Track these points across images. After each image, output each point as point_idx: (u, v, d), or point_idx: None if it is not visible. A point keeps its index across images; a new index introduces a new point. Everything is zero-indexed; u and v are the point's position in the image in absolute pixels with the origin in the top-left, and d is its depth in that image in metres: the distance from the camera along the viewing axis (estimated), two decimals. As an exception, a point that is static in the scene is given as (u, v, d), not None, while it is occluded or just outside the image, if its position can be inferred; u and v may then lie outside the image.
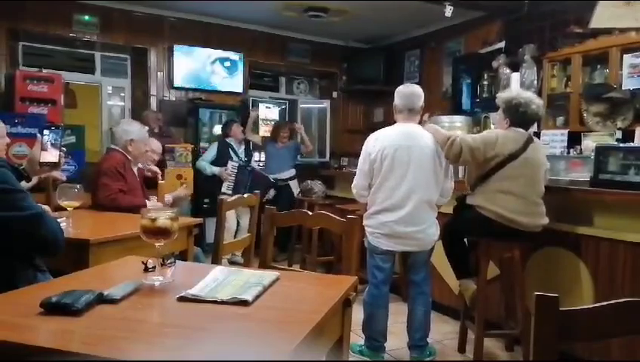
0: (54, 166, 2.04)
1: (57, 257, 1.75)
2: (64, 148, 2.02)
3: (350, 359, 3.01)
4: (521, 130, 3.02)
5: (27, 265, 1.73)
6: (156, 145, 3.67)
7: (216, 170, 5.58)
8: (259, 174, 5.72)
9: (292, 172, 6.10)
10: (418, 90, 3.21)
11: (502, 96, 3.16)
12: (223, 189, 5.48)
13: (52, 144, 1.93)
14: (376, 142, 3.11)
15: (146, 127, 3.64)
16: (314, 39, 7.47)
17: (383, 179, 3.06)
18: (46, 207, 1.88)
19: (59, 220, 1.86)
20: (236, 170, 5.52)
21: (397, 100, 3.18)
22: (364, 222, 3.17)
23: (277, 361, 1.07)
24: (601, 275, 2.99)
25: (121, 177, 3.27)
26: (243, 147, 5.86)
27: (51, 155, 1.93)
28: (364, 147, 3.19)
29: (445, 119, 5.11)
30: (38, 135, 1.97)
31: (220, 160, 5.63)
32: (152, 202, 3.44)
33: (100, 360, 1.04)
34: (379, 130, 3.21)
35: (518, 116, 3.02)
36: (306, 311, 1.39)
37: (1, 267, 1.65)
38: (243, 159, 5.73)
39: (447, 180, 3.17)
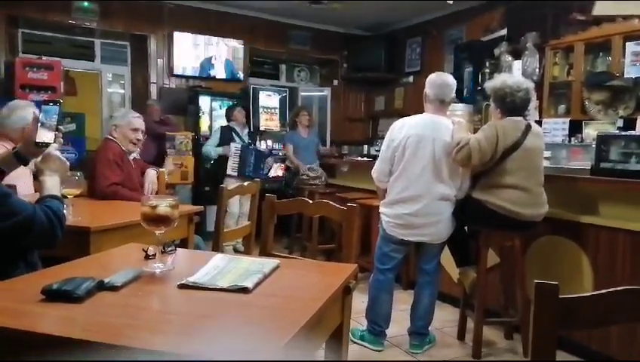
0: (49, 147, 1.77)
1: (58, 244, 1.74)
2: (61, 128, 1.77)
3: (351, 345, 3.03)
4: (517, 118, 2.98)
5: (20, 262, 1.69)
6: (139, 122, 3.47)
7: (219, 149, 5.59)
8: (260, 152, 5.77)
9: (318, 164, 5.85)
10: (451, 80, 3.11)
11: (489, 85, 3.10)
12: (229, 171, 5.51)
13: (42, 124, 1.71)
14: (401, 130, 3.06)
15: (135, 113, 3.54)
16: (315, 26, 7.43)
17: (403, 168, 3.02)
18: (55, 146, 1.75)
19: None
20: (239, 152, 5.53)
21: (428, 89, 3.10)
22: (381, 210, 3.16)
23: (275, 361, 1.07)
24: (601, 263, 2.99)
25: (118, 168, 3.24)
26: (246, 130, 5.90)
27: (47, 135, 1.72)
28: (388, 133, 3.14)
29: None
30: (36, 111, 1.74)
31: (224, 143, 5.65)
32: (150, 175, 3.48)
33: (101, 347, 1.04)
34: (405, 118, 3.15)
35: (508, 105, 2.98)
36: (306, 298, 1.39)
37: None
38: (246, 141, 5.75)
39: (466, 176, 3.10)
